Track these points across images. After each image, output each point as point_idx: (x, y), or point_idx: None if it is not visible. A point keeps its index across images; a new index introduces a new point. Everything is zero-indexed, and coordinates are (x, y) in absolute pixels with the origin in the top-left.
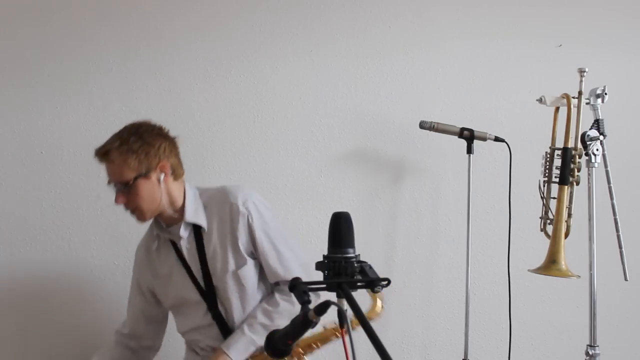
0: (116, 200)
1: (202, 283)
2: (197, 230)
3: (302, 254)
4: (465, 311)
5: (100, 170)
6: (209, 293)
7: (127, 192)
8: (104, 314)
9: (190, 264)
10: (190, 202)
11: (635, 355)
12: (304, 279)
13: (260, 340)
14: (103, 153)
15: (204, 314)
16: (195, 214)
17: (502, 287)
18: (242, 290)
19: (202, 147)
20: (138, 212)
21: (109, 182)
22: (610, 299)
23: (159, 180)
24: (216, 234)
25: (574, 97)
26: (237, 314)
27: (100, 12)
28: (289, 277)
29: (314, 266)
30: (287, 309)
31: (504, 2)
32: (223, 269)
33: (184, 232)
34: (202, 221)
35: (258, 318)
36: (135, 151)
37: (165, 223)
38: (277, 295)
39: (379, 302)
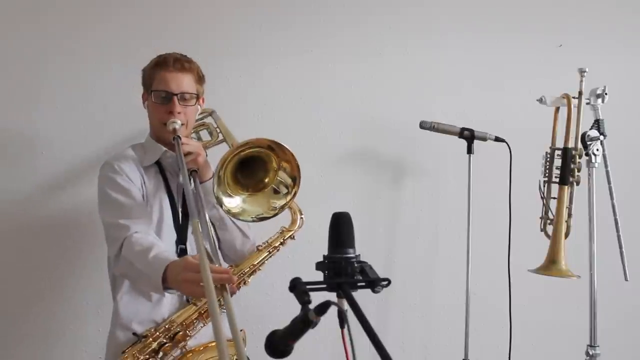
0: (175, 109)
1: (180, 215)
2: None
3: None
4: (465, 311)
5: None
6: (183, 227)
7: (184, 106)
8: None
9: (175, 194)
10: None
11: (635, 355)
12: None
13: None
14: (187, 60)
15: (172, 245)
16: None
17: (502, 287)
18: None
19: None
20: (183, 128)
21: (167, 93)
22: (610, 299)
23: (197, 110)
24: None
25: (574, 97)
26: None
27: (100, 12)
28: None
29: None
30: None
31: (504, 2)
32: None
33: None
34: None
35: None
36: (203, 75)
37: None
38: None
39: (298, 217)
